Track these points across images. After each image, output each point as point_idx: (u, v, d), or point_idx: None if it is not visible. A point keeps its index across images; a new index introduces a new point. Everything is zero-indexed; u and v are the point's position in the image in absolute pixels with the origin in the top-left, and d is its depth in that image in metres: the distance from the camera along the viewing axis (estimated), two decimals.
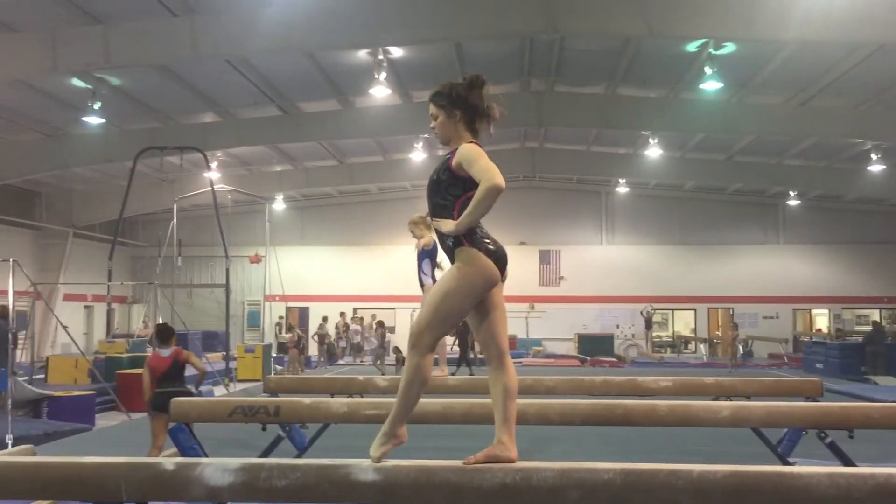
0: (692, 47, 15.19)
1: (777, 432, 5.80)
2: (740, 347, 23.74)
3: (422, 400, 5.14)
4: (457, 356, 18.43)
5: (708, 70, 14.95)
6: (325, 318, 24.85)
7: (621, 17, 12.84)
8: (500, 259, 3.12)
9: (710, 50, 14.72)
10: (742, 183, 27.54)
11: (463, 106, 3.21)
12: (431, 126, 3.31)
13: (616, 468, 2.76)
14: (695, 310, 30.55)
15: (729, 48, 14.83)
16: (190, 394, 7.71)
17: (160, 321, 18.71)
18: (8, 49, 13.40)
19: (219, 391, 15.31)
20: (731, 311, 29.79)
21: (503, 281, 3.19)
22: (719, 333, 30.09)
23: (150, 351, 17.85)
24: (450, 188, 3.12)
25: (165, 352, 7.83)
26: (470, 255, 3.05)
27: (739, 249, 30.00)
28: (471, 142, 3.20)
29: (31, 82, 15.54)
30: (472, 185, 3.06)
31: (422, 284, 7.36)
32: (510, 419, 3.03)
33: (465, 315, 3.12)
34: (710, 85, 15.57)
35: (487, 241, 3.11)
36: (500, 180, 2.98)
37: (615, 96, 18.71)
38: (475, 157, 3.06)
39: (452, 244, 3.09)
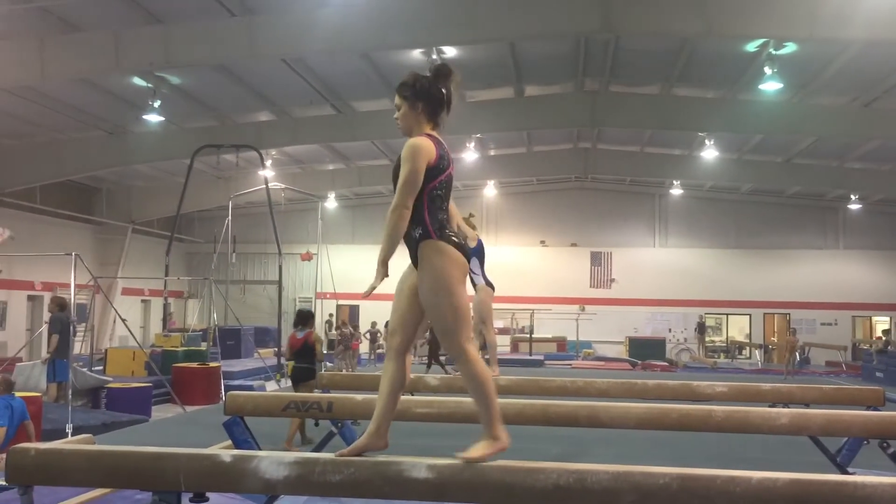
0: (751, 47, 14.88)
1: (836, 442, 5.65)
2: (797, 354, 23.20)
3: (468, 400, 5.15)
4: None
5: (768, 70, 14.64)
6: (374, 323, 24.97)
7: (679, 16, 12.64)
8: (465, 251, 3.12)
9: (771, 50, 14.40)
10: (801, 186, 26.94)
11: (425, 98, 3.20)
12: (395, 117, 3.30)
13: (672, 473, 2.72)
14: (750, 315, 29.97)
15: (790, 48, 14.49)
16: (313, 371, 8.83)
17: (214, 317, 19.10)
18: (73, 48, 13.76)
19: (270, 386, 15.52)
20: (788, 317, 29.16)
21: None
22: (775, 339, 29.49)
23: (203, 345, 18.18)
24: None
25: (300, 333, 9.05)
26: (438, 247, 3.06)
27: (797, 254, 29.35)
28: (426, 134, 3.18)
29: (94, 81, 15.94)
30: (431, 175, 3.08)
31: (473, 284, 7.38)
32: (388, 412, 3.05)
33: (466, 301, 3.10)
34: (770, 85, 15.25)
35: (453, 235, 3.11)
36: (407, 201, 3.03)
37: (671, 97, 18.46)
38: (406, 158, 3.07)
39: (419, 237, 3.09)
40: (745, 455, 7.99)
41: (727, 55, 15.69)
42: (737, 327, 30.57)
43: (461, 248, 3.09)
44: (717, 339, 30.34)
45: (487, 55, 16.05)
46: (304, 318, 9.16)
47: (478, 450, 2.91)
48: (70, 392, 10.05)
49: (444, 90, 3.20)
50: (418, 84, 3.21)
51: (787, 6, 12.46)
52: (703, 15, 12.50)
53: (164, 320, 19.95)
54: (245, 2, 13.06)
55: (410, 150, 3.08)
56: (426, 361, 16.91)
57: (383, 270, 3.03)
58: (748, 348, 29.55)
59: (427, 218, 3.08)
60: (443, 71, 3.23)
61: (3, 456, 6.22)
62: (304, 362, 8.96)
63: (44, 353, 11.81)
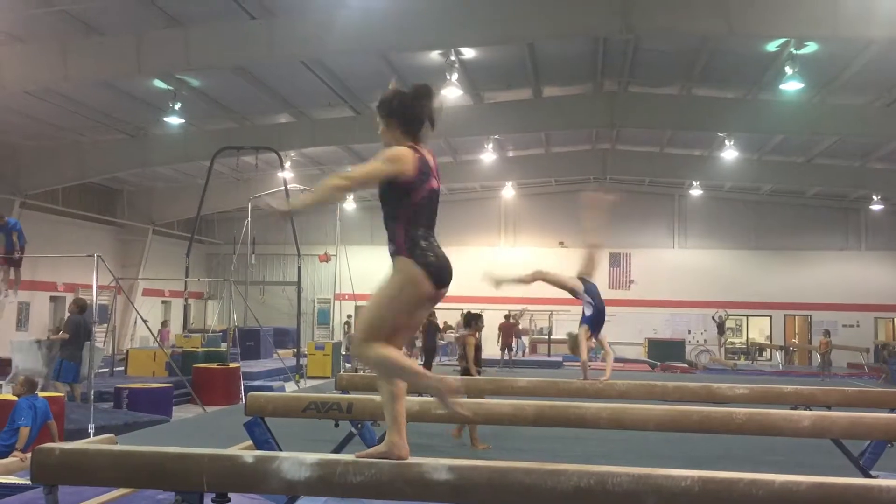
0: (772, 46, 14.79)
1: (859, 445, 5.60)
2: (818, 356, 23.00)
3: (492, 401, 5.15)
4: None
5: (789, 70, 14.53)
6: None
7: (699, 15, 12.58)
8: (436, 272, 3.04)
9: (792, 49, 14.30)
10: (822, 186, 26.71)
11: (399, 115, 3.16)
12: (378, 132, 3.27)
13: (694, 475, 2.71)
14: (770, 316, 29.74)
15: (811, 47, 14.38)
16: (465, 370, 9.10)
17: (234, 318, 19.18)
18: (95, 52, 13.90)
19: (290, 387, 15.58)
20: (809, 319, 28.90)
21: (439, 296, 3.15)
22: (796, 341, 29.25)
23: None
24: (385, 195, 3.09)
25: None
26: (402, 264, 3.03)
27: (818, 255, 29.10)
28: (408, 145, 3.12)
29: (115, 84, 16.09)
30: (409, 190, 3.04)
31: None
32: (398, 419, 3.04)
33: (402, 322, 3.10)
34: (791, 85, 15.13)
35: (430, 253, 3.04)
36: (345, 182, 3.02)
37: (691, 97, 18.37)
38: (376, 158, 3.06)
39: (393, 252, 3.07)
40: (766, 458, 7.94)
41: (748, 55, 15.60)
42: (757, 329, 30.36)
43: (430, 266, 3.03)
44: (736, 340, 30.13)
45: (506, 56, 16.05)
46: (466, 320, 9.62)
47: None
48: (92, 392, 10.12)
49: (421, 109, 3.15)
50: (395, 101, 3.18)
51: (809, 5, 12.37)
52: (723, 14, 12.43)
53: (185, 320, 20.06)
54: (264, 4, 13.12)
55: (384, 154, 3.07)
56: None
57: (286, 208, 3.07)
58: (769, 350, 29.33)
59: (401, 235, 3.04)
60: (421, 91, 3.17)
61: (28, 455, 6.30)
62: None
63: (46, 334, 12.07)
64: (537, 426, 4.64)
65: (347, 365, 20.70)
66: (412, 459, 2.91)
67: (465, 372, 9.06)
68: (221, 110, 18.64)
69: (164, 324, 24.51)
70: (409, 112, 3.13)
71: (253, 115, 19.33)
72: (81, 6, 12.80)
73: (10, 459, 6.84)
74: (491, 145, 22.39)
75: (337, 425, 5.19)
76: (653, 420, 4.61)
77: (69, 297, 22.65)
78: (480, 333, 9.54)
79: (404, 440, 2.99)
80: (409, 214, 3.05)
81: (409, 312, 3.09)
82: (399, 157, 3.03)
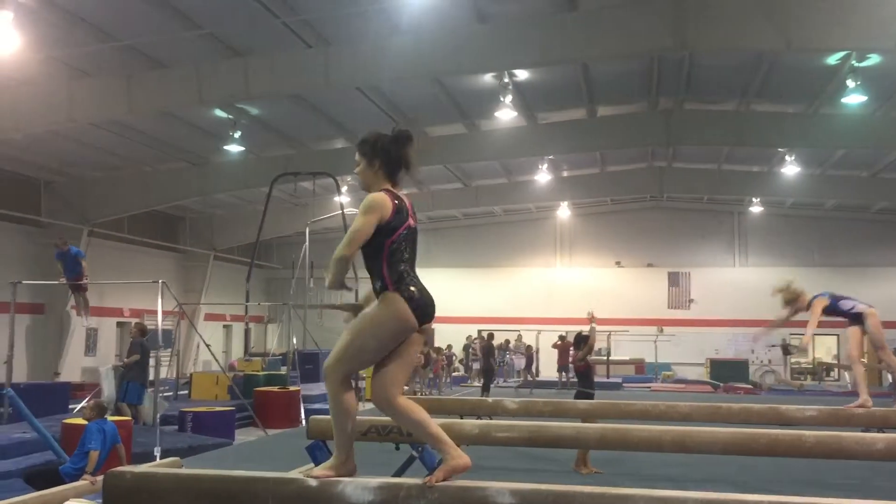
0: (833, 60, 14.50)
1: None
2: (889, 376, 22.23)
3: (554, 424, 5.11)
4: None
5: (850, 83, 14.24)
6: (449, 346, 25.01)
7: (756, 31, 12.38)
8: (421, 308, 3.17)
9: (853, 62, 14.01)
10: (889, 201, 25.89)
11: (384, 157, 3.30)
12: (355, 171, 3.38)
13: (765, 501, 2.65)
14: (837, 335, 28.85)
15: (873, 59, 14.06)
16: (581, 393, 8.89)
17: (293, 341, 19.41)
18: (158, 84, 14.32)
19: None
20: None
21: (424, 331, 3.25)
22: (865, 360, 28.31)
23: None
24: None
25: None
26: (388, 299, 3.15)
27: (885, 271, 28.21)
28: (383, 189, 3.26)
29: (178, 114, 16.54)
30: (388, 230, 3.16)
31: (856, 317, 7.41)
32: (441, 435, 3.13)
33: (381, 354, 3.18)
34: (854, 98, 14.81)
35: (413, 288, 3.17)
36: (346, 251, 3.10)
37: (749, 112, 18.08)
38: (360, 213, 3.18)
39: (379, 288, 3.19)
40: (833, 481, 7.70)
41: (807, 69, 15.31)
42: (824, 348, 29.50)
43: (415, 301, 3.15)
44: (802, 360, 29.32)
45: (559, 77, 16.04)
46: (577, 340, 9.52)
47: (319, 470, 3.10)
48: (158, 416, 10.33)
49: (401, 154, 3.30)
50: (379, 143, 3.33)
51: (870, 17, 12.07)
52: (781, 29, 12.21)
53: (246, 344, 20.39)
54: (320, 33, 13.37)
55: (364, 205, 3.19)
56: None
57: (334, 287, 3.16)
58: (836, 370, 28.46)
59: (385, 271, 3.17)
60: (402, 136, 3.32)
61: (98, 479, 6.45)
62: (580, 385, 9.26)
63: (113, 361, 12.44)
64: (599, 450, 4.57)
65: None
66: (475, 482, 2.90)
67: (582, 395, 8.82)
68: (279, 137, 19.00)
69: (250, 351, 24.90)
70: (391, 155, 3.29)
71: (310, 141, 19.65)
72: (145, 40, 13.23)
73: (80, 482, 7.01)
74: (545, 166, 22.34)
75: (397, 448, 5.21)
76: (719, 443, 4.51)
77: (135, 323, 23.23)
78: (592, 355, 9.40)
79: (458, 449, 3.02)
80: (390, 251, 3.18)
81: (388, 346, 3.16)
82: (376, 203, 3.17)
